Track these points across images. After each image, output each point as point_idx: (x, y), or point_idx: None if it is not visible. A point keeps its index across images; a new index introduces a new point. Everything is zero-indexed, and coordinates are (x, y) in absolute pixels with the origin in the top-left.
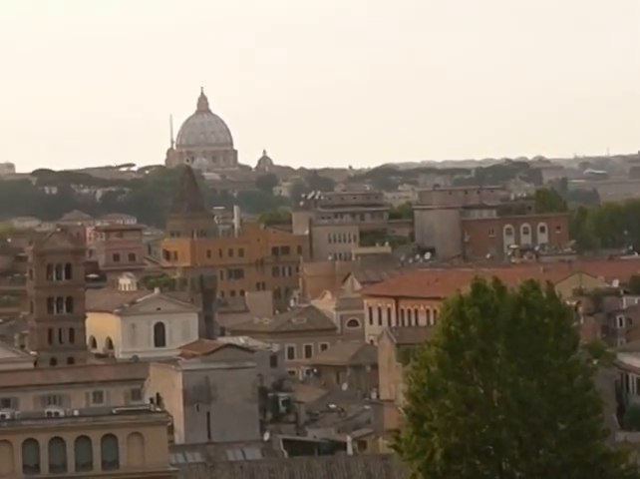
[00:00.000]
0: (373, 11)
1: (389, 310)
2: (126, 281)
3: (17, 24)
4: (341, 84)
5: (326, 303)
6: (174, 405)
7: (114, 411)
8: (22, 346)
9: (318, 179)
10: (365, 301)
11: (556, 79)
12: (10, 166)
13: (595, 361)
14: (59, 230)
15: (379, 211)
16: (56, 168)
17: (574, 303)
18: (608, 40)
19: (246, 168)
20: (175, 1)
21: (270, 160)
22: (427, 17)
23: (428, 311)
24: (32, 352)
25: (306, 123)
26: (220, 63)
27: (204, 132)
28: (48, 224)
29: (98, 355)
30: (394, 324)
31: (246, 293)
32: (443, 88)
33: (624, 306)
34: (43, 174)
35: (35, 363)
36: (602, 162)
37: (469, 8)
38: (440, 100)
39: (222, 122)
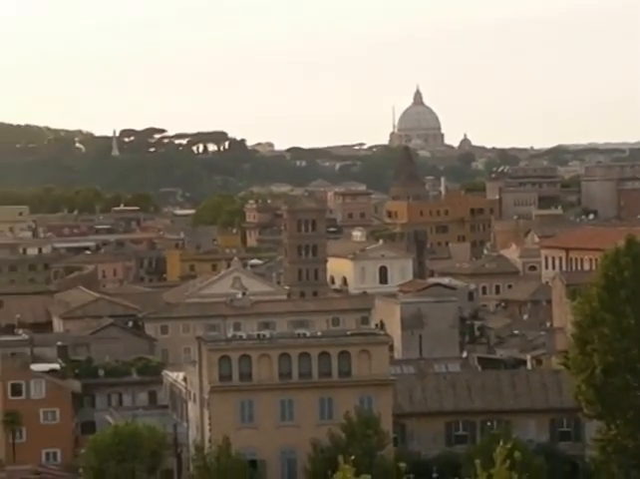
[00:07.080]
0: None
1: (560, 259)
2: (357, 234)
3: None
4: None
5: (512, 253)
6: (394, 329)
7: (348, 333)
8: (278, 282)
9: (507, 156)
10: (542, 251)
11: None
12: (270, 145)
13: None
14: (307, 194)
15: (553, 181)
16: (305, 146)
17: None
18: None
19: (451, 147)
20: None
21: (469, 141)
22: None
23: (591, 260)
24: (286, 287)
25: (500, 113)
26: (433, 66)
27: (419, 119)
28: (298, 189)
29: (335, 290)
30: (564, 269)
31: (450, 244)
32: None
33: None
34: (295, 151)
35: (288, 295)
36: None
37: None
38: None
39: (433, 111)
